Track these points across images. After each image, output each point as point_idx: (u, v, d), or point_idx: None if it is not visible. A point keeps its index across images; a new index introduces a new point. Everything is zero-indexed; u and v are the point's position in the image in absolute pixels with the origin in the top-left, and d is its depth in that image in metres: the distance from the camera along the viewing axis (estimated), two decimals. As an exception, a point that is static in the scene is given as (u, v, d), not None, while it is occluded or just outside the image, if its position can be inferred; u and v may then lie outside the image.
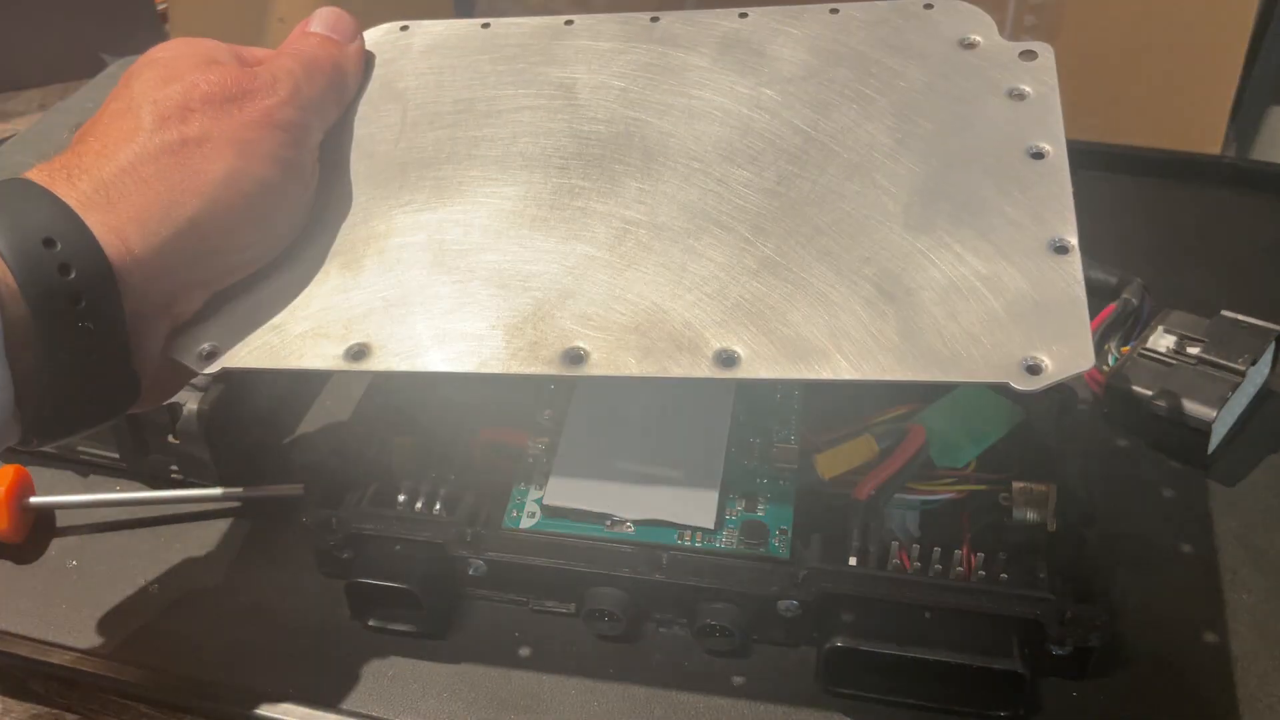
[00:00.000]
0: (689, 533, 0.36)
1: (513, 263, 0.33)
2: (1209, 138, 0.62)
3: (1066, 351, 0.29)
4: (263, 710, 0.35)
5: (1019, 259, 0.31)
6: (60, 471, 0.43)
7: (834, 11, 0.38)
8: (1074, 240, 0.31)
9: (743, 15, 0.39)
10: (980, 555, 0.35)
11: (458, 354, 0.31)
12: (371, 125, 0.37)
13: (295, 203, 0.34)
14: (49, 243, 0.28)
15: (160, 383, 0.33)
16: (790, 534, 0.36)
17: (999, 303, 0.30)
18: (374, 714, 0.34)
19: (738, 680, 0.35)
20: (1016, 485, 0.37)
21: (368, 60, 0.39)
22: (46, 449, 0.42)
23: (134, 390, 0.31)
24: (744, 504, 0.37)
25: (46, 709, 0.37)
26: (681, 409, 0.39)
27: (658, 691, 0.35)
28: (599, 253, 0.33)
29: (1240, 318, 0.43)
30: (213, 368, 0.32)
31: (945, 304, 0.30)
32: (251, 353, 0.32)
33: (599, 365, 0.31)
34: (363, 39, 0.39)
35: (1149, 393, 0.42)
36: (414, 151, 0.37)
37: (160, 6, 0.78)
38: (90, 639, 0.37)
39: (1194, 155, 0.60)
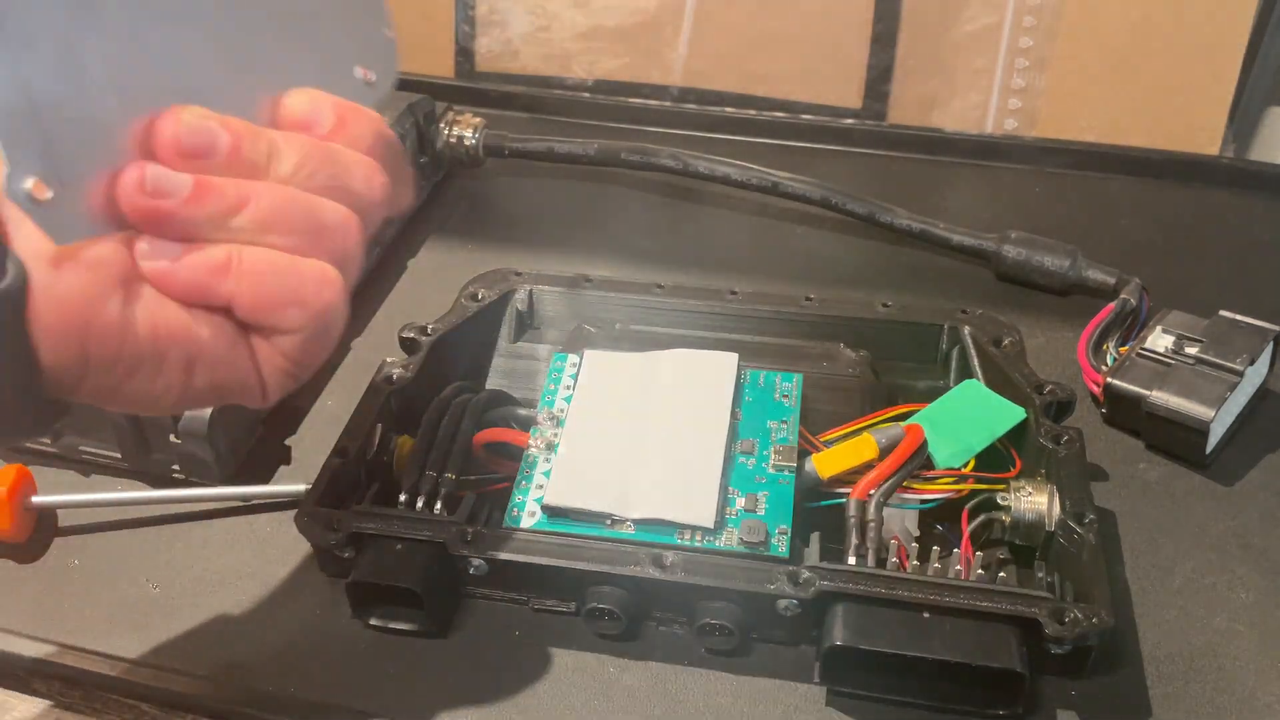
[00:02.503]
0: (689, 532, 0.36)
1: None
2: (1208, 138, 0.62)
3: None
4: (263, 710, 0.35)
5: None
6: (62, 471, 0.43)
7: None
8: None
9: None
10: (979, 555, 0.35)
11: None
12: None
13: None
14: None
15: None
16: (790, 534, 0.36)
17: None
18: (374, 714, 0.35)
19: (737, 679, 0.35)
20: (1015, 485, 0.37)
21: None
22: (50, 449, 0.42)
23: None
24: (744, 504, 0.37)
25: (49, 708, 0.37)
26: (681, 409, 0.40)
27: (658, 691, 0.35)
28: None
29: (1238, 318, 0.43)
30: None
31: None
32: None
33: None
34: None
35: (1147, 392, 0.42)
36: None
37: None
38: (92, 638, 0.37)
39: (1193, 155, 0.60)
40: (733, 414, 0.40)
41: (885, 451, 0.37)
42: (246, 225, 0.26)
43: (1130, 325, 0.47)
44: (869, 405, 0.41)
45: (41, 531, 0.41)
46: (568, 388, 0.41)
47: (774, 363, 0.43)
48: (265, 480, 0.42)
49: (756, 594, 0.34)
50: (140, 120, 0.25)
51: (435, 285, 0.51)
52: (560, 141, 0.58)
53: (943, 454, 0.38)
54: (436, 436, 0.39)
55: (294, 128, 0.28)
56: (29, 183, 0.22)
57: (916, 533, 0.37)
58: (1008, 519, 0.37)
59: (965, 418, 0.39)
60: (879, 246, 0.55)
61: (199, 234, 0.25)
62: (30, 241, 0.23)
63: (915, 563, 0.35)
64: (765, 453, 0.38)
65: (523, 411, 0.41)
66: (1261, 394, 0.45)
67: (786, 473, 0.38)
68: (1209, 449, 0.42)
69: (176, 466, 0.41)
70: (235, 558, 0.40)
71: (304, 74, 0.29)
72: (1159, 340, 0.43)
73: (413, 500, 0.37)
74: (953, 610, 0.33)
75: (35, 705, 0.37)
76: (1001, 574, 0.35)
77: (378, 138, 0.29)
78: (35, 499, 0.40)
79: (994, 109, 0.64)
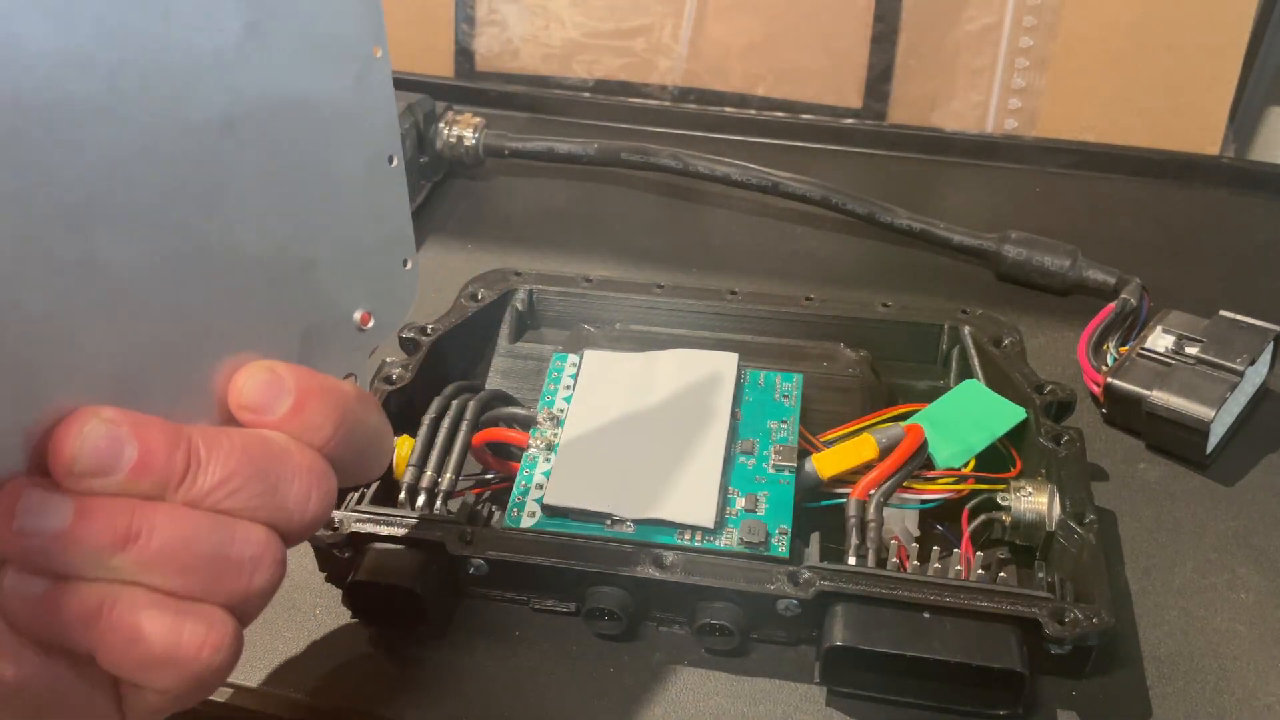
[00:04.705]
0: (689, 532, 0.36)
1: None
2: (1208, 138, 0.62)
3: None
4: (263, 710, 0.35)
5: None
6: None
7: None
8: None
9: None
10: (979, 555, 0.35)
11: None
12: None
13: None
14: None
15: None
16: (790, 534, 0.36)
17: None
18: (374, 714, 0.35)
19: (737, 679, 0.35)
20: (1015, 485, 0.37)
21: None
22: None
23: None
24: (744, 504, 0.37)
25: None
26: (681, 409, 0.40)
27: (658, 691, 0.35)
28: None
29: (1238, 317, 0.43)
30: None
31: None
32: None
33: None
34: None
35: (1147, 392, 0.42)
36: None
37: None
38: (91, 638, 0.37)
39: (1193, 155, 0.60)
40: (733, 414, 0.40)
41: (885, 451, 0.37)
42: (129, 566, 0.22)
43: (1130, 325, 0.47)
44: (869, 405, 0.41)
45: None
46: (568, 388, 0.41)
47: (774, 363, 0.43)
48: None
49: (756, 594, 0.34)
50: (35, 422, 0.21)
51: (435, 285, 0.51)
52: (560, 141, 0.58)
53: (943, 454, 0.38)
54: (436, 436, 0.39)
55: (241, 413, 0.24)
56: None
57: (916, 533, 0.37)
58: (1008, 519, 0.37)
59: (965, 418, 0.39)
60: (879, 246, 0.55)
61: (71, 571, 0.22)
62: None
63: (915, 563, 0.35)
64: (765, 453, 0.38)
65: (523, 411, 0.41)
66: (1261, 394, 0.45)
67: (786, 473, 0.38)
68: (1209, 449, 0.42)
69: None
70: (235, 558, 0.40)
71: (282, 328, 0.25)
72: (1159, 340, 0.43)
73: (412, 500, 0.37)
74: (953, 610, 0.33)
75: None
76: (1001, 574, 0.35)
77: (340, 426, 0.24)
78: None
79: (994, 109, 0.64)
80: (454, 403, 0.40)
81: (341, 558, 0.37)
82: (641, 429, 0.39)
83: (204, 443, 0.23)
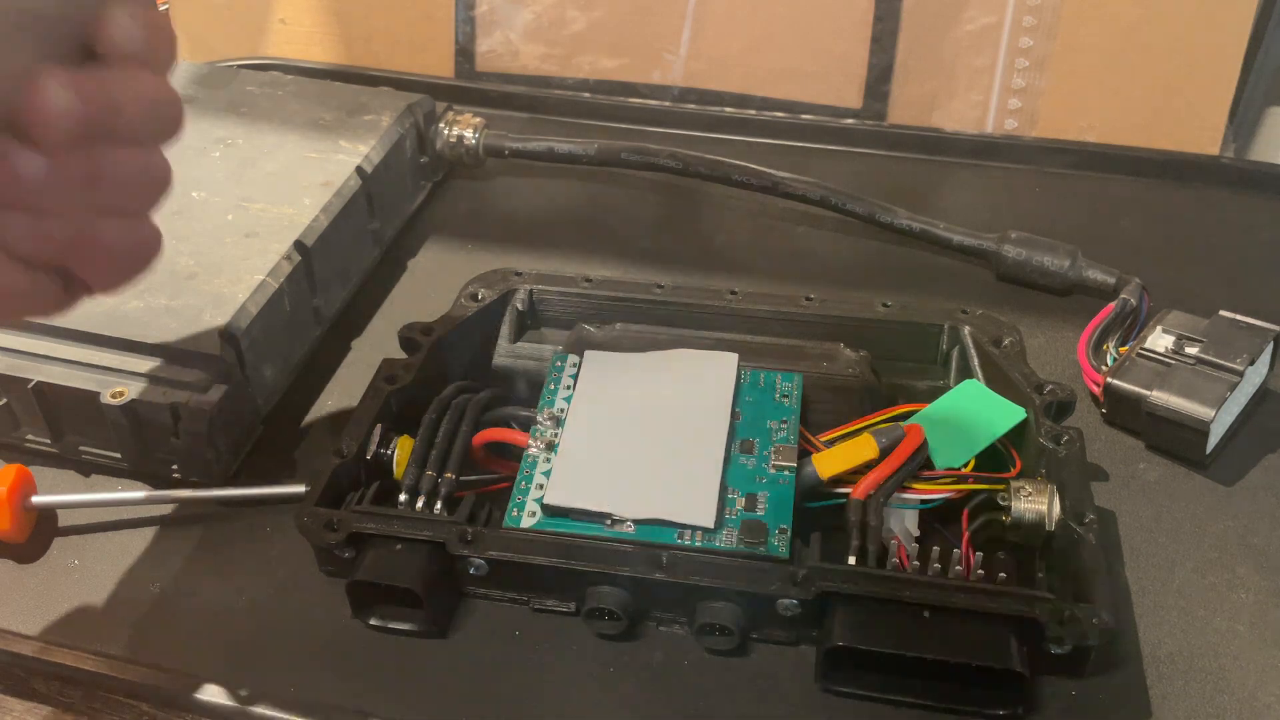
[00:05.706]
0: (689, 532, 0.36)
1: None
2: (1208, 138, 0.62)
3: None
4: (263, 710, 0.35)
5: None
6: (62, 471, 0.43)
7: None
8: None
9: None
10: (979, 555, 0.35)
11: None
12: None
13: None
14: None
15: None
16: (790, 533, 0.36)
17: None
18: (374, 714, 0.35)
19: (737, 679, 0.35)
20: (1015, 485, 0.37)
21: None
22: (50, 449, 0.42)
23: None
24: (744, 503, 0.37)
25: (48, 708, 0.37)
26: (681, 409, 0.40)
27: (658, 691, 0.35)
28: None
29: (1238, 317, 0.43)
30: None
31: None
32: None
33: None
34: None
35: (1147, 392, 0.42)
36: None
37: (161, 7, 0.79)
38: (92, 638, 0.37)
39: (1193, 155, 0.60)
40: (733, 414, 0.40)
41: (885, 451, 0.37)
42: (95, 197, 0.26)
43: (1130, 325, 0.47)
44: (869, 405, 0.41)
45: (41, 531, 0.41)
46: (568, 388, 0.41)
47: (774, 363, 0.43)
48: (265, 480, 0.42)
49: (756, 594, 0.34)
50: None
51: (435, 285, 0.51)
52: (560, 141, 0.58)
53: (943, 454, 0.38)
54: (436, 436, 0.39)
55: (115, 50, 0.25)
56: None
57: (916, 533, 0.37)
58: (1008, 519, 0.37)
59: (965, 418, 0.39)
60: (879, 246, 0.55)
61: (50, 208, 0.26)
62: None
63: (915, 563, 0.35)
64: (765, 453, 0.38)
65: (523, 411, 0.41)
66: (1261, 394, 0.45)
67: (786, 473, 0.38)
68: (1209, 449, 0.42)
69: (176, 466, 0.41)
70: (235, 558, 0.40)
71: None
72: (1159, 340, 0.43)
73: (413, 500, 0.37)
74: (953, 610, 0.33)
75: (34, 705, 0.37)
76: (1001, 574, 0.35)
77: (172, 45, 0.27)
78: (35, 499, 0.40)
79: (994, 109, 0.64)
80: (454, 403, 0.40)
81: (342, 557, 0.37)
82: (641, 429, 0.39)
83: (116, 88, 0.25)
